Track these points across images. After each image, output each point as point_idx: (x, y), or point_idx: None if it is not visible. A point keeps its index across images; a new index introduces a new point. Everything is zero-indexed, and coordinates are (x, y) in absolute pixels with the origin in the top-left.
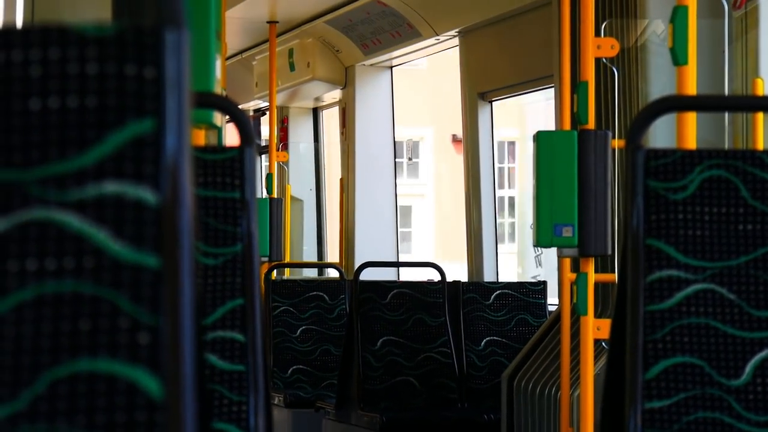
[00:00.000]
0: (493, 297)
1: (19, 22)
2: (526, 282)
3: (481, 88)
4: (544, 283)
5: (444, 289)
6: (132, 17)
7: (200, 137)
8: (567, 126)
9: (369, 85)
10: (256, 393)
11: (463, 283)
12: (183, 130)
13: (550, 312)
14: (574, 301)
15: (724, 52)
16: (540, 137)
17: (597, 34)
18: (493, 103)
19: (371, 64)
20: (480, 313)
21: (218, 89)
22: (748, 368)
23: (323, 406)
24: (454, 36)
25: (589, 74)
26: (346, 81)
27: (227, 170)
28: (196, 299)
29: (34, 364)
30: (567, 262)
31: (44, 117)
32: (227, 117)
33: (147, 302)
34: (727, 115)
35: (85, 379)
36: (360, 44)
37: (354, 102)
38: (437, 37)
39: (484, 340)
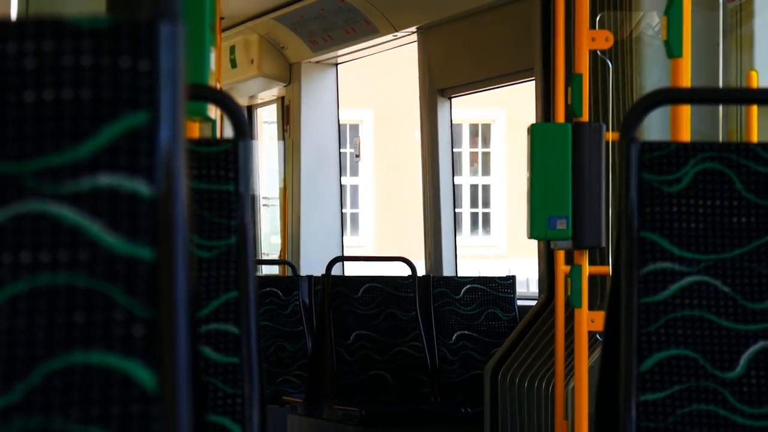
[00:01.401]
0: (463, 291)
1: (13, 15)
2: (496, 276)
3: (440, 84)
4: (513, 277)
5: (414, 283)
6: (127, 10)
7: (194, 130)
8: (561, 119)
9: (315, 81)
10: (251, 385)
11: (434, 277)
12: (177, 122)
13: (519, 306)
14: (568, 293)
15: (718, 44)
16: (534, 130)
17: (591, 26)
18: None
19: (316, 61)
20: (450, 308)
21: (213, 82)
22: (742, 361)
23: (290, 401)
24: (413, 32)
25: (584, 66)
26: (290, 78)
27: (221, 163)
28: (191, 292)
29: (28, 357)
30: (561, 254)
31: (39, 109)
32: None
33: (141, 295)
34: (721, 107)
35: (79, 372)
36: (308, 41)
37: (299, 99)
38: (395, 34)
39: (455, 335)
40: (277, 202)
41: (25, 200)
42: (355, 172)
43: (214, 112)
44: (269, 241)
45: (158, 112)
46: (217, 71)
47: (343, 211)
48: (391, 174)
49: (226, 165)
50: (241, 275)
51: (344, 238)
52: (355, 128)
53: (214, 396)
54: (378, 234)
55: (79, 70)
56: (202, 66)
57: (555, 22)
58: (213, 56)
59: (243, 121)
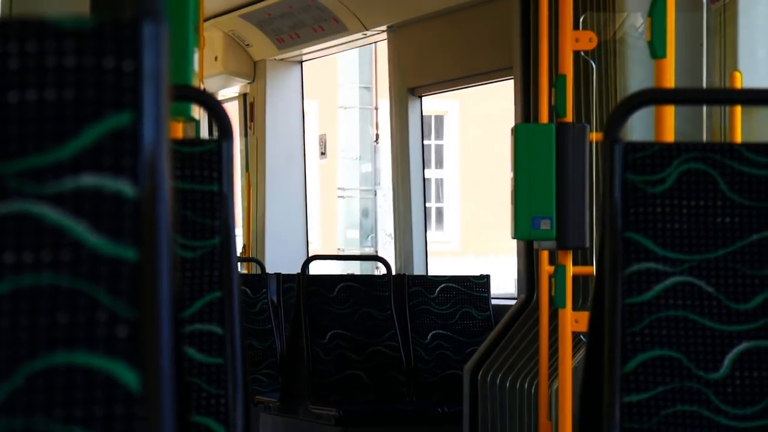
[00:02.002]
0: (438, 290)
1: None
2: (470, 275)
3: (411, 83)
4: (488, 276)
5: (390, 282)
6: (110, 10)
7: (178, 130)
8: (545, 119)
9: (279, 79)
10: (234, 386)
11: (409, 276)
12: (161, 122)
13: (494, 306)
14: (552, 293)
15: (702, 45)
16: (518, 130)
17: (575, 27)
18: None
19: (281, 59)
20: (425, 307)
21: (196, 82)
22: (727, 361)
23: (263, 400)
24: (383, 31)
25: (568, 67)
26: (255, 75)
27: (205, 163)
28: (175, 292)
29: (11, 357)
30: (545, 254)
31: (22, 110)
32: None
33: (125, 295)
34: (705, 108)
35: (63, 373)
36: (275, 38)
37: (264, 97)
38: (365, 32)
39: (431, 334)
40: (355, 193)
41: (8, 200)
42: (440, 164)
43: (197, 112)
44: (345, 235)
45: (142, 113)
46: (200, 71)
47: (428, 205)
48: (477, 167)
49: (209, 165)
50: (225, 275)
51: (429, 233)
52: (440, 119)
53: (198, 397)
54: (464, 229)
55: (62, 71)
56: (185, 66)
57: (538, 22)
58: (196, 57)
59: (227, 122)
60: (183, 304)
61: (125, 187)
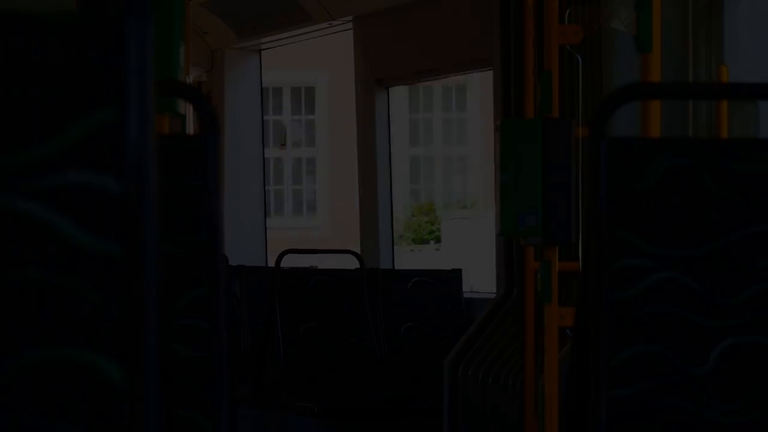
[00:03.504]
0: (410, 284)
1: None
2: (443, 270)
3: (378, 74)
4: (459, 270)
5: (363, 276)
6: (95, 5)
7: (164, 125)
8: (530, 114)
9: (239, 68)
10: (220, 381)
11: (382, 270)
12: (147, 118)
13: (466, 299)
14: (538, 289)
15: (688, 39)
16: (504, 125)
17: (560, 21)
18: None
19: (240, 48)
20: (398, 301)
21: (182, 77)
22: (713, 356)
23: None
24: (349, 21)
25: (554, 62)
26: (212, 64)
27: (191, 158)
28: (160, 288)
29: None
30: (531, 250)
31: (7, 106)
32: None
33: (111, 291)
34: (691, 103)
35: (49, 368)
36: (236, 27)
37: (223, 85)
38: (331, 22)
39: (403, 327)
40: None
41: None
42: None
43: (183, 106)
44: None
45: (127, 109)
46: (186, 65)
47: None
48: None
49: (196, 161)
50: (211, 271)
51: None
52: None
53: (184, 392)
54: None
55: (47, 66)
56: (172, 61)
57: (520, 15)
58: (182, 51)
59: (214, 117)
60: (169, 300)
61: (110, 183)
